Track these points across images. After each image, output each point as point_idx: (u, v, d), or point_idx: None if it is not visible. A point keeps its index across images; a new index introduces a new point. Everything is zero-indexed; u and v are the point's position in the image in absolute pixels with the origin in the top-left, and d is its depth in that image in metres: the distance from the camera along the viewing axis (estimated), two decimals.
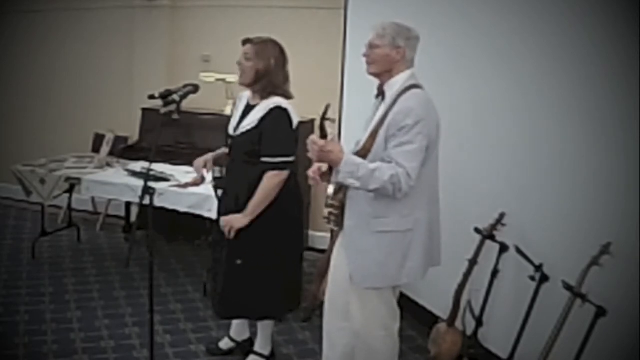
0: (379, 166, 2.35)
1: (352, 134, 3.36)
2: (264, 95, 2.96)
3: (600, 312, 2.32)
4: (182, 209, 3.94)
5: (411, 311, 3.52)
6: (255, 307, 3.09)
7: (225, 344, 3.41)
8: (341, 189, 2.57)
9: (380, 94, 2.57)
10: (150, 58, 5.42)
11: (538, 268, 2.72)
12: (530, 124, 2.93)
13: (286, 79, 3.02)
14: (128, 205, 5.22)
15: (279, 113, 2.92)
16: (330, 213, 2.63)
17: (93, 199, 5.63)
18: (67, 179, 4.42)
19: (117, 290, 4.18)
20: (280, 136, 2.93)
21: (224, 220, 3.00)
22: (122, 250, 5.00)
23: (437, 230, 2.63)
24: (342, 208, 2.58)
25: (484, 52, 3.18)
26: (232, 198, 3.06)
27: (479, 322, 3.09)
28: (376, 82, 2.59)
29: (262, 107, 2.95)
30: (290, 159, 2.97)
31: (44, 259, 4.69)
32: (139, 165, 4.38)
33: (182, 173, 4.24)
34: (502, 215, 2.99)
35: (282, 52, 3.00)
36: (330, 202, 2.62)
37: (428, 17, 3.33)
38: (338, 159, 2.34)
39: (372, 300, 2.57)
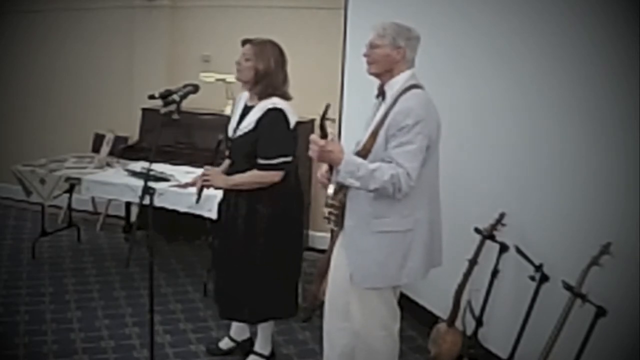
0: (379, 166, 2.35)
1: (351, 133, 3.36)
2: (262, 96, 2.96)
3: (600, 312, 2.33)
4: (182, 209, 3.94)
5: (411, 311, 3.52)
6: (255, 308, 3.09)
7: (225, 344, 3.41)
8: (341, 189, 2.57)
9: (381, 94, 2.57)
10: (150, 58, 5.42)
11: (538, 268, 2.72)
12: (530, 124, 2.93)
13: (285, 80, 3.02)
14: (128, 205, 5.22)
15: (275, 114, 2.93)
16: (330, 213, 2.63)
17: (93, 199, 5.63)
18: (67, 179, 4.41)
19: (117, 290, 4.18)
20: (276, 137, 2.94)
21: (208, 169, 3.04)
22: (122, 250, 5.00)
23: (438, 230, 2.63)
24: (342, 208, 2.58)
25: (484, 52, 3.18)
26: (232, 199, 3.06)
27: (479, 322, 3.09)
28: (376, 82, 2.59)
29: (259, 108, 2.95)
30: (287, 159, 2.96)
31: (44, 259, 4.69)
32: (139, 165, 4.38)
33: (182, 173, 4.24)
34: (502, 215, 2.99)
35: (281, 53, 3.00)
36: (330, 202, 2.62)
37: (428, 17, 3.33)
38: (338, 159, 2.34)
39: (372, 300, 2.57)
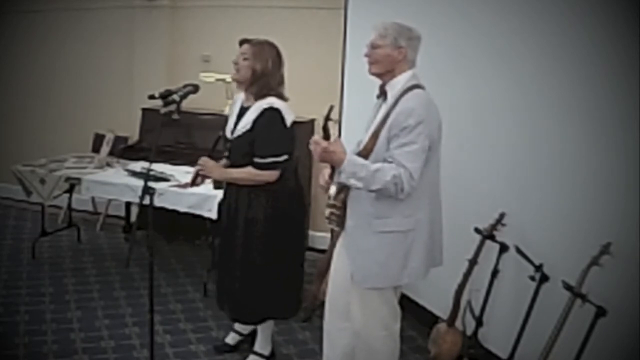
0: (381, 166, 2.36)
1: (352, 134, 3.36)
2: (258, 96, 2.97)
3: (600, 312, 2.33)
4: (182, 209, 3.94)
5: (411, 311, 3.52)
6: (255, 308, 3.10)
7: (232, 338, 3.42)
8: (343, 189, 2.57)
9: (382, 94, 2.57)
10: (150, 58, 5.42)
11: (538, 268, 2.72)
12: (530, 124, 2.93)
13: (281, 81, 3.04)
14: (128, 205, 5.22)
15: (271, 113, 2.94)
16: (332, 213, 2.63)
17: (93, 199, 5.63)
18: (67, 179, 4.41)
19: (117, 290, 4.18)
20: (272, 136, 2.95)
21: (204, 159, 3.05)
22: (122, 250, 5.00)
23: (439, 230, 2.63)
24: (343, 208, 2.59)
25: (484, 52, 3.18)
26: (232, 199, 3.07)
27: (479, 322, 3.09)
28: (376, 82, 2.59)
29: (255, 109, 2.96)
30: (283, 158, 2.97)
31: (44, 259, 4.69)
32: (139, 165, 4.38)
33: (182, 173, 4.24)
34: (502, 215, 2.99)
35: (278, 54, 3.02)
36: (332, 202, 2.62)
37: (428, 17, 3.33)
38: (340, 160, 2.35)
39: (373, 301, 2.57)
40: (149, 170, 2.69)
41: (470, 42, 3.27)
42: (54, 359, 3.25)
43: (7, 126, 6.08)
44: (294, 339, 3.61)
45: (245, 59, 2.96)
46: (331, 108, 2.42)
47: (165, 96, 2.71)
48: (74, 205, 5.14)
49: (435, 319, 3.42)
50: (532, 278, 2.73)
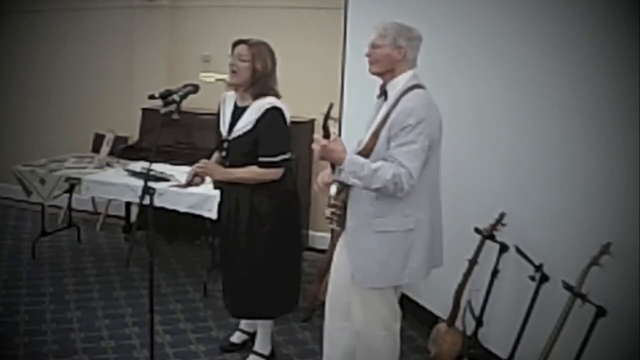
0: (381, 165, 2.36)
1: (352, 133, 3.36)
2: (257, 96, 2.97)
3: (600, 312, 2.33)
4: (182, 209, 3.95)
5: (411, 311, 3.52)
6: (255, 307, 3.10)
7: (237, 337, 3.43)
8: (344, 189, 2.57)
9: (383, 93, 2.57)
10: (150, 58, 5.42)
11: (538, 268, 2.72)
12: (530, 124, 2.93)
13: (276, 80, 3.05)
14: (128, 205, 5.22)
15: (274, 113, 2.95)
16: (332, 213, 2.63)
17: (93, 199, 5.63)
18: (67, 179, 4.42)
19: (117, 290, 4.18)
20: (278, 135, 2.97)
21: (204, 161, 3.06)
22: (122, 250, 5.00)
23: (439, 230, 2.63)
24: (344, 208, 2.59)
25: (484, 52, 3.18)
26: (232, 199, 3.07)
27: (479, 322, 3.09)
28: (376, 81, 2.59)
29: (256, 108, 2.96)
30: (287, 155, 3.00)
31: (44, 259, 4.69)
32: (139, 165, 4.38)
33: (182, 173, 4.21)
34: (502, 215, 2.99)
35: (273, 54, 3.03)
36: (332, 202, 2.62)
37: (428, 17, 3.33)
38: (340, 159, 2.35)
39: (373, 300, 2.57)
40: (149, 170, 2.69)
41: (470, 42, 3.27)
42: (54, 359, 3.25)
43: (7, 126, 6.09)
44: (294, 339, 3.61)
45: (243, 60, 2.95)
46: (331, 106, 2.42)
47: (165, 96, 2.71)
48: (74, 205, 5.14)
49: (435, 319, 3.42)
50: (532, 278, 2.73)
